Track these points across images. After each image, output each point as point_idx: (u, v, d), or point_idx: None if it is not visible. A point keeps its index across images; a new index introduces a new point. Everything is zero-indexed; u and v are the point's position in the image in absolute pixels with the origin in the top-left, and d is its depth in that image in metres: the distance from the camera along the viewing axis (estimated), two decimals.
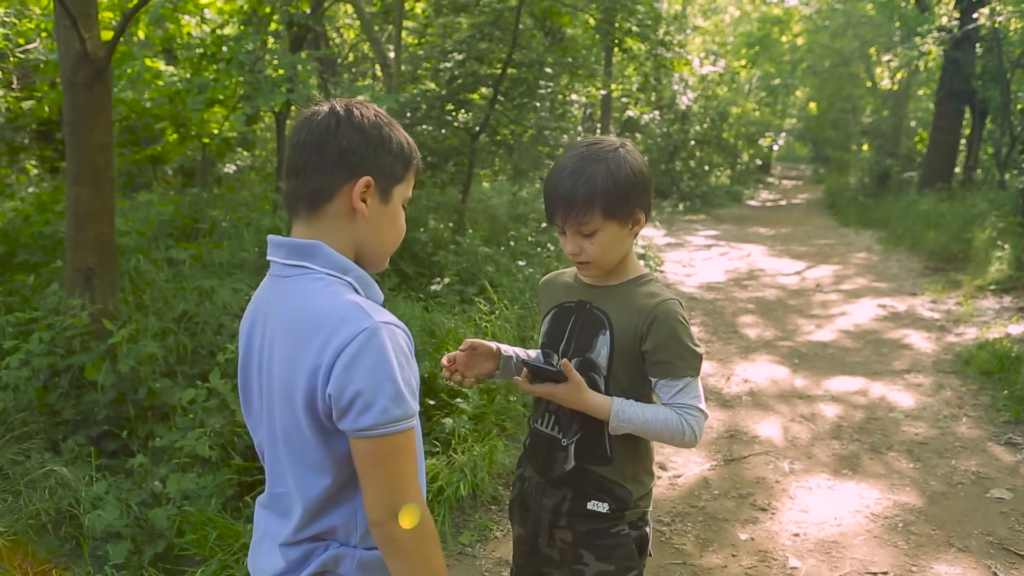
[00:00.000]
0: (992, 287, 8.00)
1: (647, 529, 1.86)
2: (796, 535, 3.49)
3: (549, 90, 8.18)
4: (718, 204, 18.43)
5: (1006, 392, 4.99)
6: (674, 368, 1.70)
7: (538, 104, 8.20)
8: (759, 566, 3.25)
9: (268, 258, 1.41)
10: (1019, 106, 13.88)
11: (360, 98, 1.47)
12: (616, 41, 8.37)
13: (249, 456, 3.51)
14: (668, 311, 1.71)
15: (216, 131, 6.47)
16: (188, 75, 5.76)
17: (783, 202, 20.55)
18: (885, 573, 3.19)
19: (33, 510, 3.14)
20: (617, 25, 8.01)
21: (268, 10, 5.82)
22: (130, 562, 3.01)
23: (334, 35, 13.05)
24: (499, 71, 7.74)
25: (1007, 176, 12.95)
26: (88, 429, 3.69)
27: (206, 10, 7.73)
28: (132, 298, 4.16)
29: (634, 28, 7.78)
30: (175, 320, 4.07)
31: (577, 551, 1.81)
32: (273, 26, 6.25)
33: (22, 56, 7.50)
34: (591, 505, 1.79)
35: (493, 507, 3.63)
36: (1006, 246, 8.62)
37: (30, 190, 7.34)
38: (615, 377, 1.75)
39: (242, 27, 6.04)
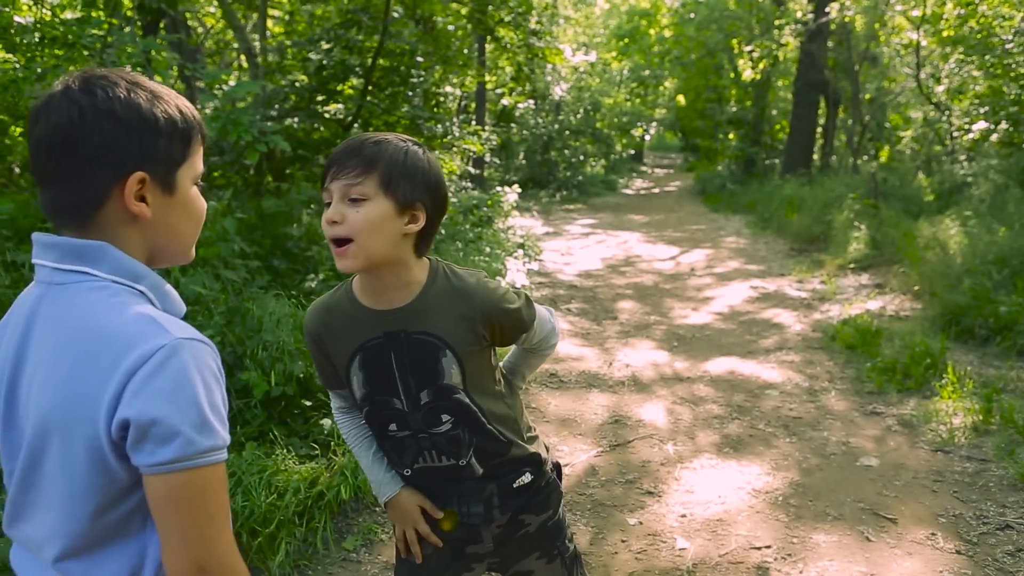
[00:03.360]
0: (852, 266, 8.45)
1: (554, 461, 1.88)
2: (683, 516, 3.52)
3: (421, 79, 8.02)
4: (594, 193, 18.78)
5: (869, 365, 5.25)
6: (522, 326, 1.72)
7: (411, 94, 8.04)
8: (649, 549, 3.26)
9: (34, 261, 1.16)
10: (867, 96, 14.77)
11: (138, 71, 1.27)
12: (488, 31, 8.30)
13: None
14: (489, 300, 1.63)
15: None
16: (22, 62, 5.27)
17: (656, 190, 21.17)
18: (768, 547, 3.26)
19: None
20: (489, 14, 7.96)
21: None
22: None
23: (195, 23, 12.41)
24: (369, 61, 7.53)
25: (859, 161, 13.76)
26: None
27: None
28: None
29: (506, 18, 7.73)
30: None
31: (517, 518, 1.78)
32: (126, 11, 5.83)
33: None
34: (517, 483, 1.76)
35: (377, 509, 3.49)
36: (862, 227, 9.14)
37: None
38: (472, 381, 1.64)
39: (85, 10, 5.58)
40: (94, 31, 5.00)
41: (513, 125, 17.47)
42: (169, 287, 1.21)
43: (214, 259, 4.48)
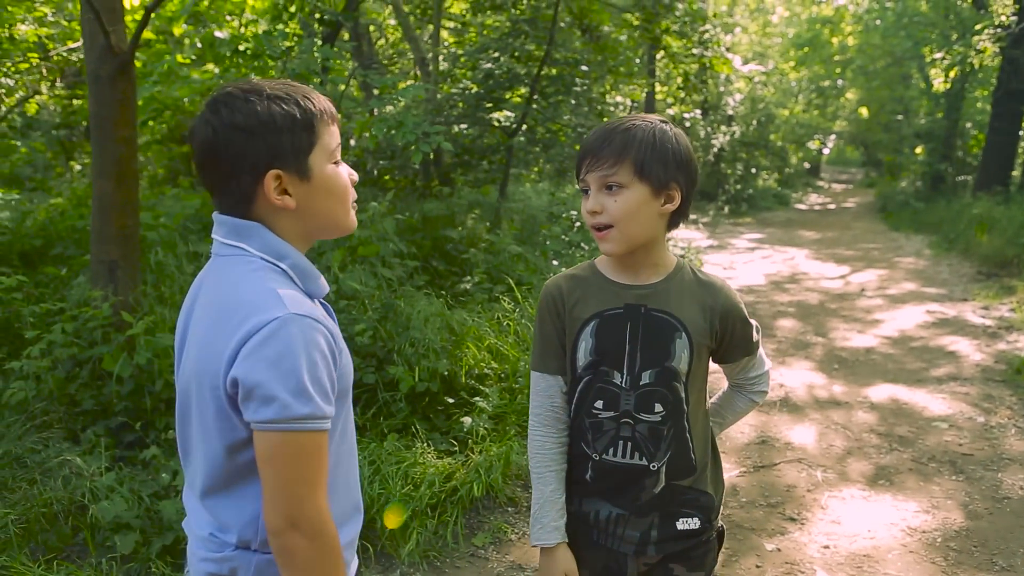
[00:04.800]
0: None
1: (722, 522, 1.78)
2: (826, 547, 3.32)
3: (585, 88, 8.05)
4: (765, 208, 18.13)
5: None
6: (748, 347, 1.71)
7: (574, 102, 8.09)
8: None
9: (212, 235, 1.35)
10: None
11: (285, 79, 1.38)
12: (654, 40, 8.21)
13: None
14: (732, 299, 1.66)
15: None
16: (220, 72, 5.78)
17: (832, 206, 20.12)
18: None
19: (45, 499, 3.14)
20: (656, 23, 7.86)
21: (298, 5, 5.82)
22: (138, 554, 2.98)
23: (377, 35, 13.08)
24: (536, 70, 7.64)
25: None
26: (107, 420, 3.70)
27: (246, 13, 7.79)
28: (152, 291, 4.16)
29: (673, 27, 7.61)
30: None
31: (667, 566, 1.70)
32: (313, 23, 6.24)
33: (64, 55, 7.65)
34: (681, 524, 1.67)
35: (509, 509, 3.53)
36: None
37: (74, 185, 7.46)
38: (693, 380, 1.64)
39: (272, 24, 6.04)
40: (278, 43, 5.40)
41: None
42: (312, 268, 1.34)
43: (372, 257, 4.70)
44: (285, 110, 1.27)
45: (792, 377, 5.48)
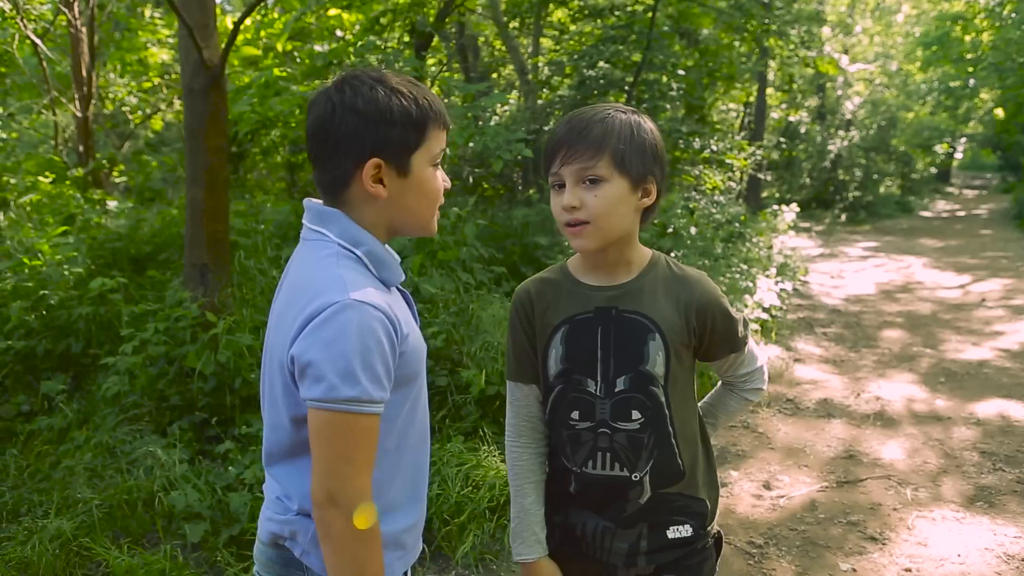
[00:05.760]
0: None
1: (718, 528, 1.69)
2: (908, 570, 3.11)
3: (681, 92, 7.89)
4: (885, 215, 17.30)
5: None
6: (733, 343, 1.60)
7: (668, 107, 7.95)
8: None
9: (303, 220, 1.42)
10: None
11: (384, 71, 1.41)
12: (755, 40, 7.98)
13: None
14: (709, 292, 1.57)
15: None
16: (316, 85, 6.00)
17: (961, 212, 18.96)
18: None
19: (127, 487, 3.33)
20: (756, 25, 7.63)
21: (389, 18, 5.98)
22: (207, 543, 3.12)
23: (485, 48, 13.26)
24: (632, 77, 7.56)
25: None
26: (192, 416, 3.89)
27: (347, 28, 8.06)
28: (239, 293, 4.36)
29: (772, 28, 7.37)
30: None
31: None
32: (397, 32, 6.42)
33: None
34: (672, 533, 1.59)
35: None
36: None
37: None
38: (674, 382, 1.54)
39: (363, 35, 6.23)
40: (370, 56, 5.57)
41: (783, 140, 16.50)
42: (387, 256, 1.38)
43: (452, 261, 4.76)
44: (403, 105, 1.32)
45: (890, 389, 5.17)
